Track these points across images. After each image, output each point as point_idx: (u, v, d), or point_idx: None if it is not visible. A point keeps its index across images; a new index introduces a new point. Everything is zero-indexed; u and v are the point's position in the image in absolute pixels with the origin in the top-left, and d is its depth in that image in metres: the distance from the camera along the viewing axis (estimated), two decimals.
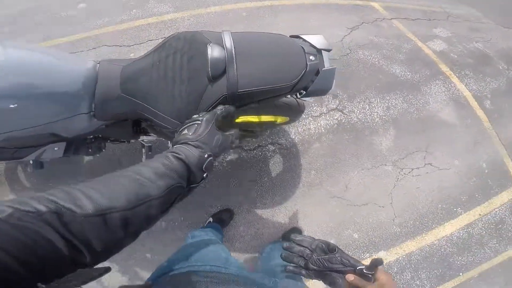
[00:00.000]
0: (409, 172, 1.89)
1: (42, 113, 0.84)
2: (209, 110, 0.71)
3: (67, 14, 2.24)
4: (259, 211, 1.65)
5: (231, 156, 1.73)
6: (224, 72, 0.81)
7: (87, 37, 2.13)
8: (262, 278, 0.66)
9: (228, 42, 0.84)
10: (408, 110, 2.13)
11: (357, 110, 2.03)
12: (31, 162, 1.11)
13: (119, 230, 0.39)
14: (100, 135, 1.15)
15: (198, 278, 0.57)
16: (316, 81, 0.91)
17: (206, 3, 2.49)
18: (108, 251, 0.38)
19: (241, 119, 1.11)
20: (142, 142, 1.32)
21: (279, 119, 1.32)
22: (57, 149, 1.06)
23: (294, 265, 0.57)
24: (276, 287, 0.65)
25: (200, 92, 0.83)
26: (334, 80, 0.95)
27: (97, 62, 0.94)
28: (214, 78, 0.81)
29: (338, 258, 0.54)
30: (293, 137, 1.83)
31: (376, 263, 0.50)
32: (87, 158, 1.67)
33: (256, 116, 1.19)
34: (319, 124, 1.91)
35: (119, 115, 0.95)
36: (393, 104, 2.13)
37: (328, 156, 1.84)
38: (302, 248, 0.57)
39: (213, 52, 0.81)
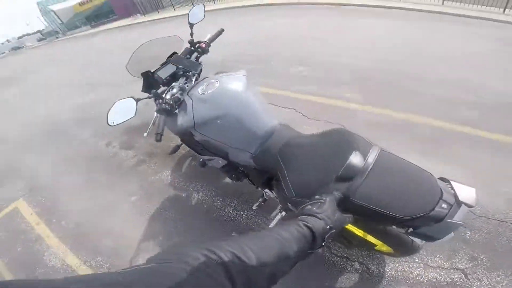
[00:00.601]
0: None
1: (230, 136, 1.22)
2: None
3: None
4: None
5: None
6: (351, 178, 0.89)
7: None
8: None
9: (371, 157, 0.91)
10: None
11: (487, 282, 1.43)
12: (201, 160, 1.62)
13: (266, 282, 0.46)
14: (245, 171, 1.53)
15: None
16: (430, 227, 0.86)
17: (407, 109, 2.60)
18: None
19: (348, 226, 1.16)
20: (264, 192, 1.59)
21: (384, 248, 1.28)
22: (221, 162, 1.44)
23: None
24: None
25: (324, 182, 0.93)
26: (451, 234, 0.88)
27: (280, 123, 1.26)
28: (340, 179, 0.90)
29: None
30: (387, 270, 1.55)
31: None
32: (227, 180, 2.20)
33: (363, 232, 1.23)
34: (427, 274, 1.49)
35: (266, 167, 1.22)
36: None
37: None
38: None
39: (354, 159, 0.91)
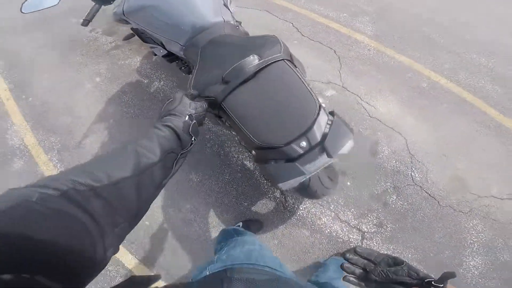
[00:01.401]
0: None
1: (160, 26, 1.21)
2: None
3: None
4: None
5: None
6: (227, 82, 0.86)
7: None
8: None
9: (259, 66, 0.85)
10: None
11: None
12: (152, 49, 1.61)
13: (134, 196, 0.42)
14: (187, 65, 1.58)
15: (267, 277, 0.58)
16: (278, 165, 0.80)
17: None
18: (130, 219, 0.42)
19: None
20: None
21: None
22: (161, 51, 1.46)
23: (353, 275, 0.55)
24: None
25: (213, 81, 0.90)
26: (292, 183, 0.82)
27: (224, 21, 1.19)
28: (223, 80, 0.87)
29: (405, 270, 0.50)
30: (300, 208, 1.64)
31: (447, 276, 0.46)
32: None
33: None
34: (332, 225, 1.59)
35: (192, 60, 1.19)
36: None
37: None
38: (366, 261, 0.55)
39: (243, 63, 0.86)
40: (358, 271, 0.55)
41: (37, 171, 1.95)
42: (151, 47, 1.54)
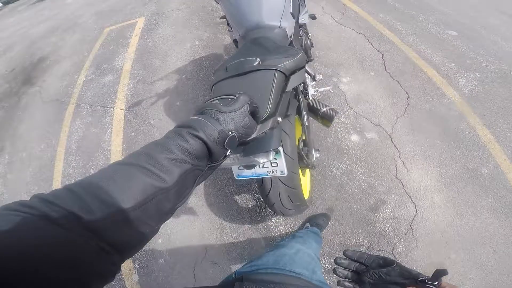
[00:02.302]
0: None
1: (232, 14, 1.38)
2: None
3: None
4: None
5: None
6: (226, 72, 1.00)
7: None
8: None
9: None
10: None
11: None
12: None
13: (131, 231, 0.35)
14: None
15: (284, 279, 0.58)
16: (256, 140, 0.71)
17: None
18: (122, 253, 0.34)
19: None
20: None
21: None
22: (233, 36, 1.63)
23: (347, 280, 0.56)
24: None
25: (223, 65, 1.03)
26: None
27: (278, 27, 1.30)
28: (226, 69, 1.01)
29: (397, 270, 0.51)
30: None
31: (440, 274, 0.46)
32: None
33: None
34: None
35: (237, 47, 1.48)
36: None
37: None
38: (357, 264, 0.56)
39: (247, 61, 0.98)
40: (351, 274, 0.56)
41: (117, 89, 2.87)
42: (229, 30, 1.70)
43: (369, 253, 0.56)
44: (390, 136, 1.96)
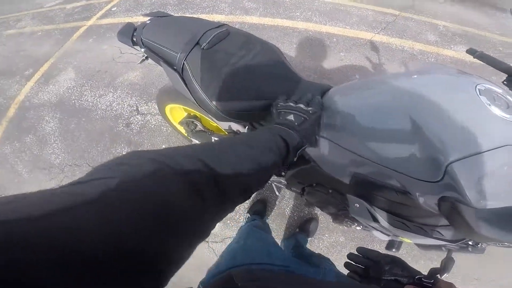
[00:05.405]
0: None
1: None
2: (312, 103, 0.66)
3: None
4: None
5: None
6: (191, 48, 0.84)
7: None
8: (309, 267, 0.69)
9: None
10: None
11: None
12: None
13: (241, 196, 0.39)
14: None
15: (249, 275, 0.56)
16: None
17: None
18: (231, 203, 0.37)
19: None
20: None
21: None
22: None
23: (355, 273, 0.61)
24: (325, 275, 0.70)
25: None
26: None
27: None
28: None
29: (399, 268, 0.56)
30: None
31: (436, 272, 0.51)
32: None
33: None
34: None
35: None
36: None
37: None
38: (367, 260, 0.61)
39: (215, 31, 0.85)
40: (359, 269, 0.62)
41: None
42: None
43: (380, 252, 0.61)
44: None
